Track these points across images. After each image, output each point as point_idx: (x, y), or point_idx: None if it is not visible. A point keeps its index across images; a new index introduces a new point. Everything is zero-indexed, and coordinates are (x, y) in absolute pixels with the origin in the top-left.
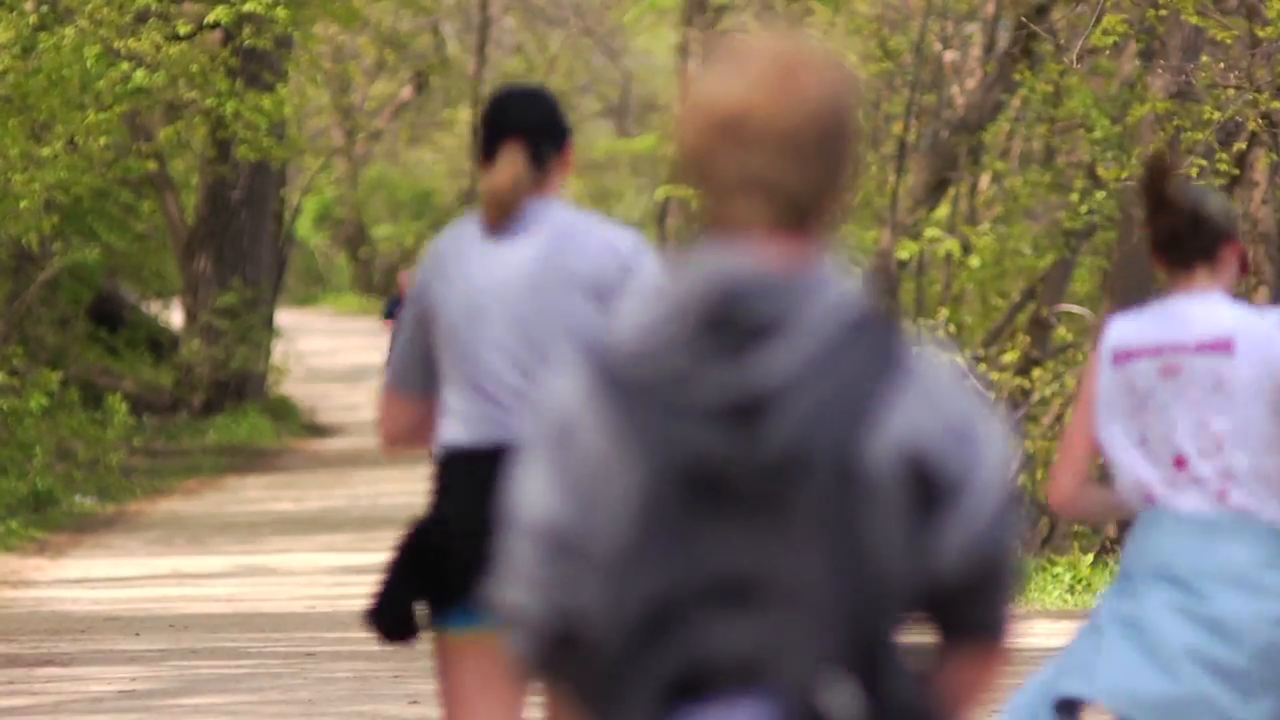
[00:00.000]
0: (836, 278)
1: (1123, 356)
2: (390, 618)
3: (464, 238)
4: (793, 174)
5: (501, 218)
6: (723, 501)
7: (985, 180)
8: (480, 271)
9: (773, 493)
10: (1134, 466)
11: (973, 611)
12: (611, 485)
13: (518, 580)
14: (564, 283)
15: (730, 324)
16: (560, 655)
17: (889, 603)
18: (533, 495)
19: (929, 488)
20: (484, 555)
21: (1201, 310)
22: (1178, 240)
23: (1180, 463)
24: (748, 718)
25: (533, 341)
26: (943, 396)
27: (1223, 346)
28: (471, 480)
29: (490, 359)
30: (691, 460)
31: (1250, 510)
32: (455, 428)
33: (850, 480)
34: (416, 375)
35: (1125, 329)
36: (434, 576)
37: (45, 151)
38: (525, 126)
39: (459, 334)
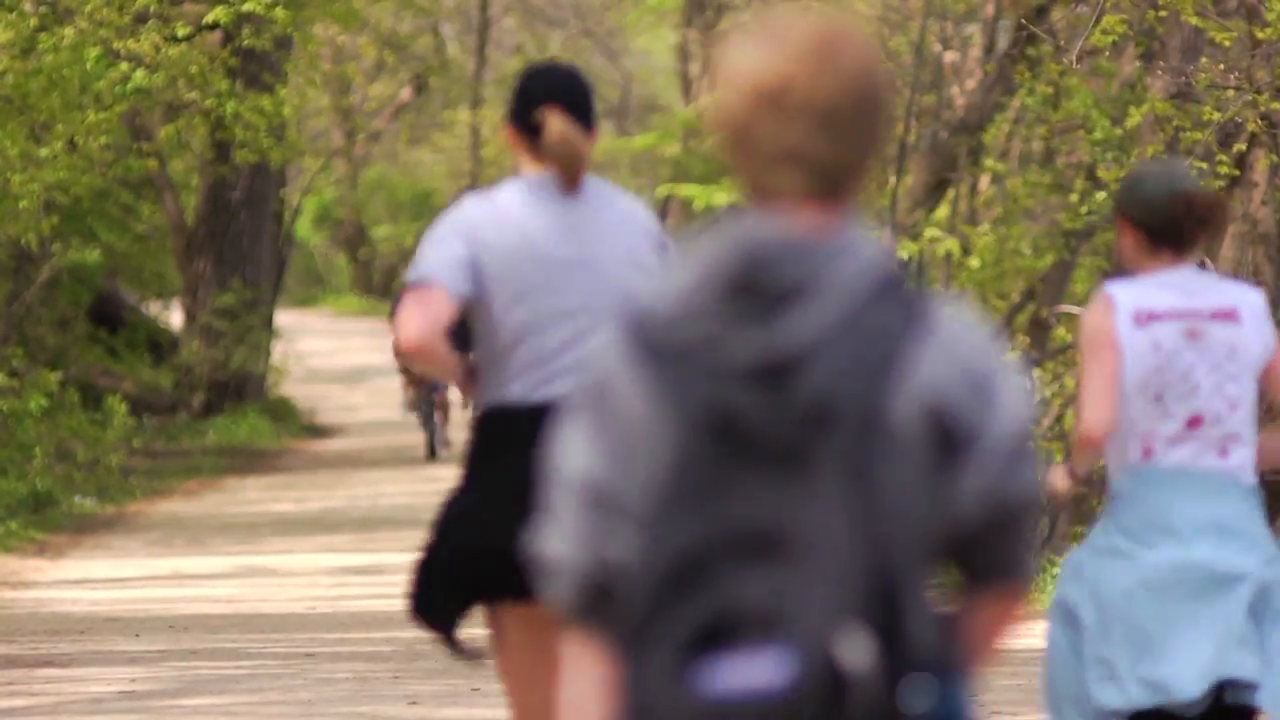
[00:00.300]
0: (861, 241)
1: (1144, 317)
2: (431, 611)
3: (511, 202)
4: (829, 145)
5: (575, 175)
6: (751, 458)
7: (985, 181)
8: (532, 234)
9: (799, 448)
10: (1144, 419)
11: (992, 556)
12: (647, 443)
13: (559, 532)
14: (617, 250)
15: (760, 288)
16: (598, 604)
17: (911, 551)
18: (574, 452)
19: (948, 437)
20: (527, 518)
21: (1204, 281)
22: (1178, 226)
23: (1196, 422)
24: (768, 667)
25: (592, 304)
26: (962, 349)
27: (1232, 315)
28: (523, 438)
29: (554, 320)
30: (723, 419)
31: (1242, 469)
32: (511, 385)
33: (874, 433)
34: (469, 289)
35: (1142, 293)
36: (473, 566)
37: (44, 152)
38: (567, 96)
39: (525, 294)
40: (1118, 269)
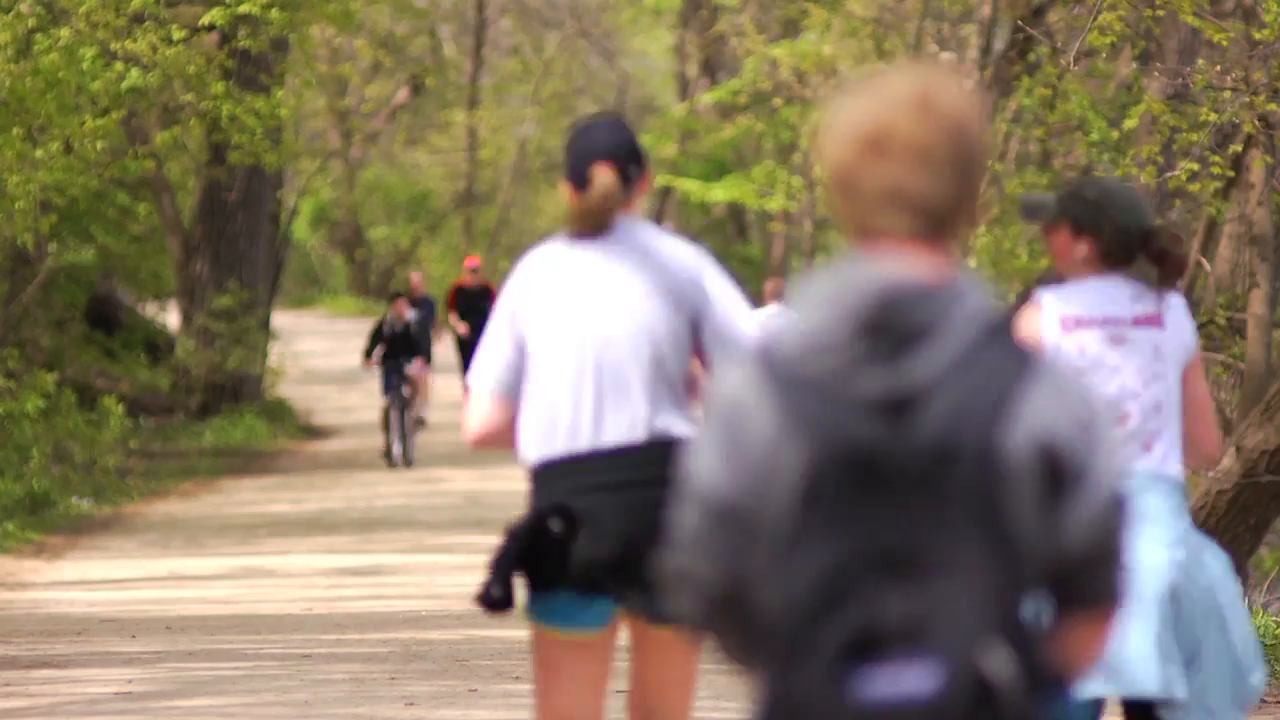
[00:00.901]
0: (974, 286)
1: (1071, 324)
2: (498, 590)
3: (556, 258)
4: (928, 184)
5: (595, 229)
6: (880, 484)
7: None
8: (578, 282)
9: (926, 477)
10: None
11: (1091, 582)
12: (778, 467)
13: (687, 546)
14: (653, 291)
15: (888, 328)
16: (724, 615)
17: (1026, 575)
18: (704, 471)
19: (1057, 472)
20: (592, 551)
21: (1129, 289)
22: (1130, 250)
23: (1122, 420)
24: (916, 679)
25: (634, 347)
26: (1069, 391)
27: (1155, 320)
28: (587, 482)
29: (591, 365)
30: (850, 447)
31: (1166, 463)
32: (556, 433)
33: (991, 466)
34: (510, 379)
35: (1070, 300)
36: (539, 564)
37: (39, 153)
38: (613, 151)
39: (562, 341)
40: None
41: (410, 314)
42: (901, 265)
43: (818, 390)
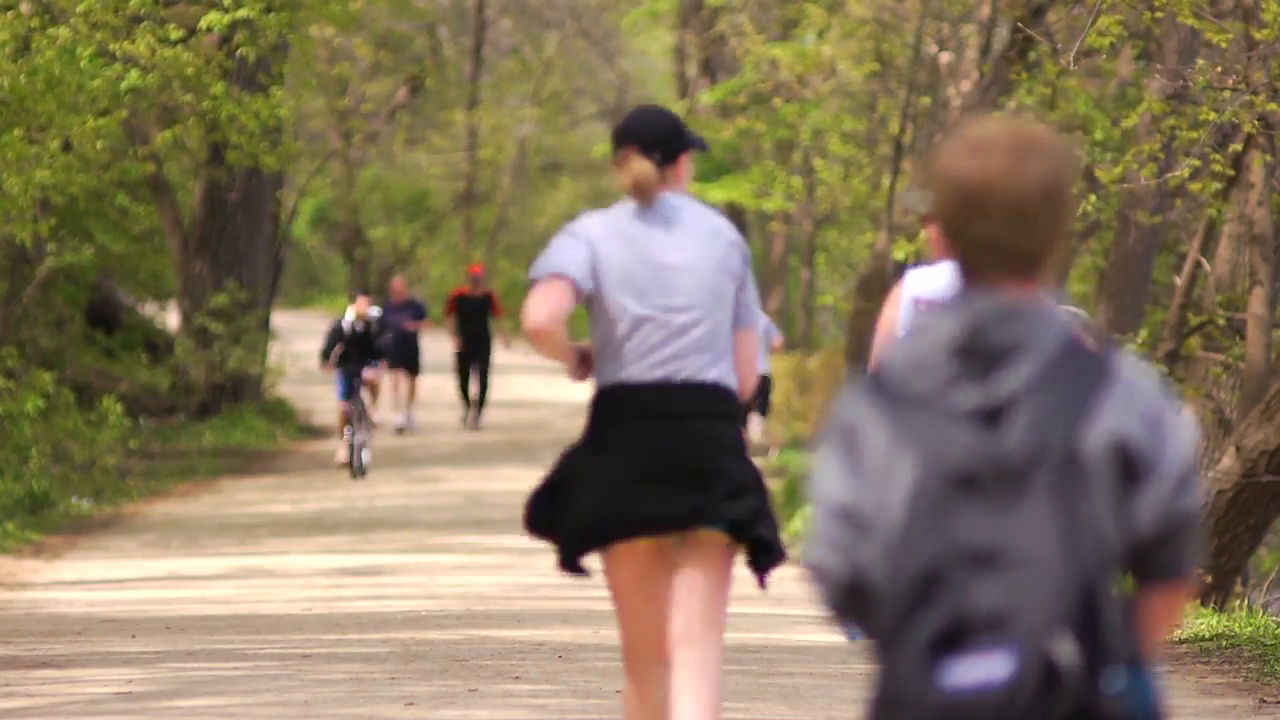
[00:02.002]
0: (1054, 309)
1: (920, 303)
2: (541, 518)
3: (620, 218)
4: (1020, 236)
5: (645, 200)
6: (975, 487)
7: None
8: (641, 244)
9: (1015, 478)
10: None
11: (1162, 561)
12: (890, 475)
13: (818, 543)
14: (716, 267)
15: (980, 350)
16: (850, 600)
17: (1105, 561)
18: (828, 480)
19: (1131, 468)
20: (643, 476)
21: None
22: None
23: None
24: (994, 666)
25: (694, 302)
26: (1139, 395)
27: None
28: (633, 411)
29: (663, 314)
30: (950, 454)
31: None
32: (629, 368)
33: (1073, 467)
34: (583, 276)
35: (923, 281)
36: (599, 516)
37: (34, 150)
38: (646, 137)
39: (639, 293)
40: (1112, 268)
41: (373, 313)
42: (994, 297)
43: (922, 406)
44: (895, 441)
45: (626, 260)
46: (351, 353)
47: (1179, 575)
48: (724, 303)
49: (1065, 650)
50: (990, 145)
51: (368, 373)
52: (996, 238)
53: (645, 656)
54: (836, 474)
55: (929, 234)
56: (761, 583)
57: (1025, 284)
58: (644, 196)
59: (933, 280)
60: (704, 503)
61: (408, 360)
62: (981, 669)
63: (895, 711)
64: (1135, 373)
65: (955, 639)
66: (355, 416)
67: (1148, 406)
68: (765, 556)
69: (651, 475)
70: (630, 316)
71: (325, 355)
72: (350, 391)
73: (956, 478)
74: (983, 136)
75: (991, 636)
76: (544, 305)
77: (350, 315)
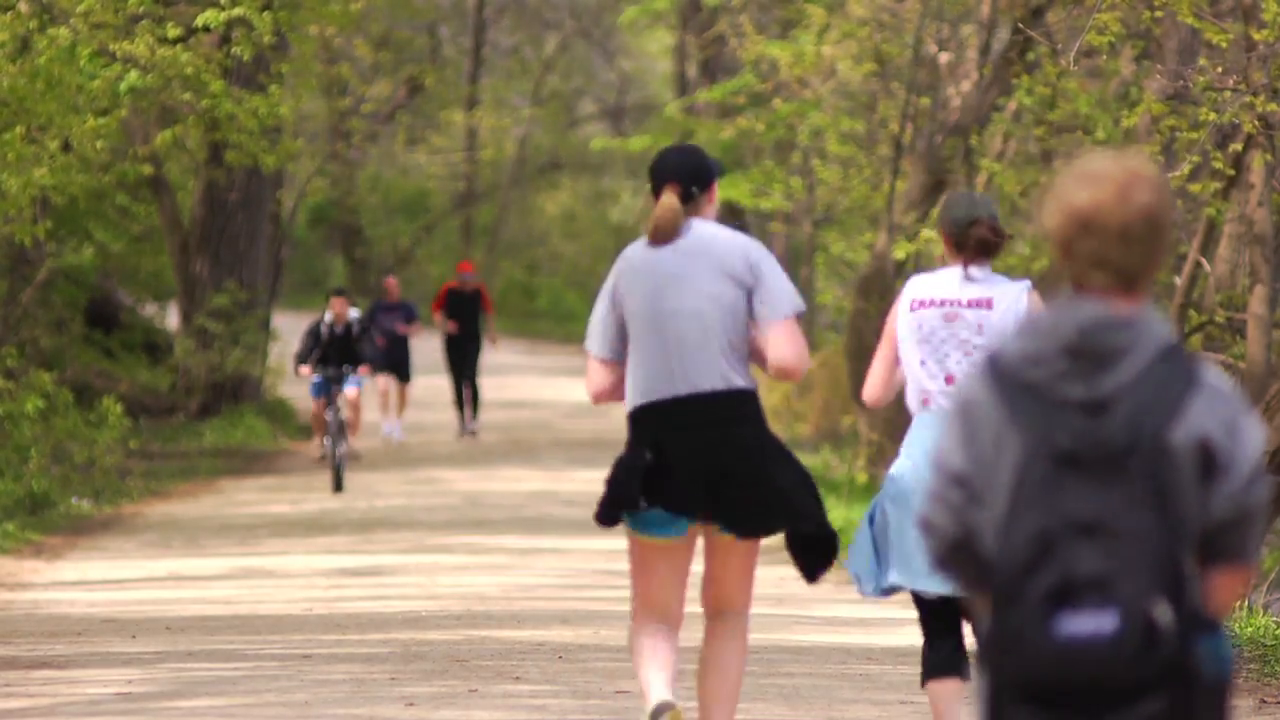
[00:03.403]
0: (1153, 319)
1: (916, 305)
2: (614, 508)
3: (640, 251)
4: (1125, 255)
5: (661, 238)
6: (1078, 467)
7: (981, 182)
8: (658, 272)
9: (1113, 463)
10: (919, 379)
11: (1232, 544)
12: (1002, 451)
13: (934, 505)
14: (715, 274)
15: (1088, 351)
16: (958, 556)
17: (1188, 540)
18: (947, 450)
19: (1209, 461)
20: (679, 479)
21: (975, 277)
22: (964, 239)
23: (949, 379)
24: (1101, 621)
25: (701, 316)
26: (1220, 400)
27: (986, 304)
28: (669, 424)
29: (670, 332)
30: (1057, 438)
31: None
32: (647, 386)
33: (1162, 457)
34: (616, 346)
35: (923, 285)
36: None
37: (34, 150)
38: (677, 173)
39: (648, 316)
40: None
41: (353, 314)
42: (1101, 307)
43: (1034, 393)
44: (1007, 421)
45: (637, 284)
46: (330, 356)
47: (1245, 558)
48: (736, 315)
49: (1163, 612)
50: (1102, 177)
51: (350, 391)
52: (1103, 255)
53: (652, 613)
54: (954, 444)
55: (942, 244)
56: (812, 579)
57: (1127, 297)
58: (668, 229)
59: (932, 285)
60: (740, 515)
61: (397, 366)
62: (1092, 622)
63: (1013, 654)
64: (1217, 381)
65: (1066, 596)
66: (333, 428)
67: (1227, 411)
68: (812, 557)
69: (694, 478)
70: (643, 335)
71: (302, 359)
72: (323, 392)
73: (1063, 457)
74: (1096, 169)
75: (1098, 596)
76: (589, 384)
77: (328, 317)
